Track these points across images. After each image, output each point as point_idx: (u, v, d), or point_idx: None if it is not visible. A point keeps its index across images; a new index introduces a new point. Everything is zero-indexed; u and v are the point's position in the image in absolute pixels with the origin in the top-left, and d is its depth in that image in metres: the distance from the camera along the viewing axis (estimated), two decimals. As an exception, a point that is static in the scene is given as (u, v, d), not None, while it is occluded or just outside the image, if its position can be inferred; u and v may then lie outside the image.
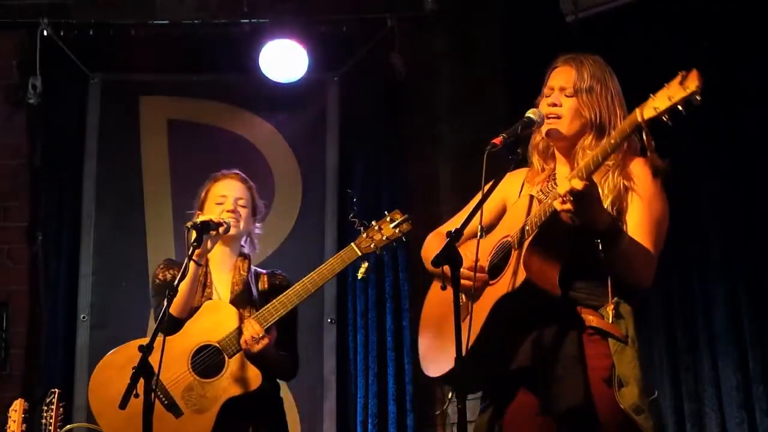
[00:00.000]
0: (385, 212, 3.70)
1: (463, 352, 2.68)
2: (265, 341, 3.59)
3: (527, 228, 2.84)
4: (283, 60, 5.55)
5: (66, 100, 5.75)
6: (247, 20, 5.66)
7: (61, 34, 5.62)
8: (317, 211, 5.74)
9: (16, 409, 3.72)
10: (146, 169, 5.77)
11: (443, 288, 2.84)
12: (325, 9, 5.75)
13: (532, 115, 2.99)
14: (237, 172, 3.93)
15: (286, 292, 3.68)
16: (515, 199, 3.08)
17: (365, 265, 3.67)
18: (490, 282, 2.93)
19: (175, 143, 5.79)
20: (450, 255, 2.75)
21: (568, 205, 2.66)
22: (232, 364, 3.62)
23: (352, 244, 3.67)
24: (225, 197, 3.81)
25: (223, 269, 3.85)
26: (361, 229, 3.66)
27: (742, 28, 4.65)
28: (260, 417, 3.70)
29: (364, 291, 5.65)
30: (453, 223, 3.20)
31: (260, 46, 5.54)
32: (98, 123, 5.77)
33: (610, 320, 2.81)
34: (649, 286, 2.87)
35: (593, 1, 5.02)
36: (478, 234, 2.88)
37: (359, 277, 3.70)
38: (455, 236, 2.77)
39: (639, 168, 2.88)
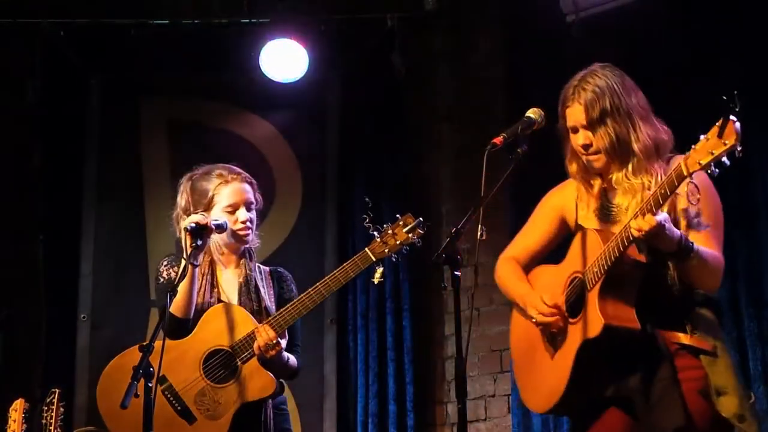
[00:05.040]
0: (397, 216, 3.66)
1: (560, 392, 2.92)
2: (279, 347, 3.57)
3: (595, 270, 2.90)
4: (284, 60, 5.55)
5: (66, 100, 5.75)
6: (247, 20, 5.66)
7: (61, 34, 5.62)
8: (317, 211, 5.74)
9: (16, 409, 3.70)
10: (146, 170, 5.78)
11: (443, 288, 2.87)
12: (325, 9, 5.75)
13: (532, 115, 3.01)
14: (239, 171, 3.84)
15: (300, 297, 3.64)
16: (573, 215, 3.15)
17: (380, 269, 3.65)
18: (571, 320, 2.99)
19: (175, 143, 5.79)
20: (450, 255, 2.76)
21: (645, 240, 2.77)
22: (245, 370, 3.58)
23: (367, 249, 3.62)
24: (236, 206, 3.73)
25: (228, 268, 3.82)
26: (375, 234, 3.64)
27: (742, 27, 4.64)
28: (268, 424, 3.67)
29: (364, 291, 5.65)
30: (516, 244, 3.32)
31: (260, 46, 5.54)
32: (98, 123, 5.77)
33: (692, 335, 2.89)
34: (718, 286, 2.95)
35: (593, 0, 5.02)
36: (479, 234, 2.88)
37: (375, 282, 3.67)
38: (455, 236, 2.78)
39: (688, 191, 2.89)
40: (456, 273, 2.75)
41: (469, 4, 5.79)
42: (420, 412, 5.54)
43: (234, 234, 3.73)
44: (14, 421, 3.67)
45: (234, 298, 3.75)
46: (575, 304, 2.99)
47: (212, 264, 3.78)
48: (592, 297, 2.89)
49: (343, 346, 5.63)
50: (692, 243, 2.80)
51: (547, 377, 3.04)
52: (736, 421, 2.79)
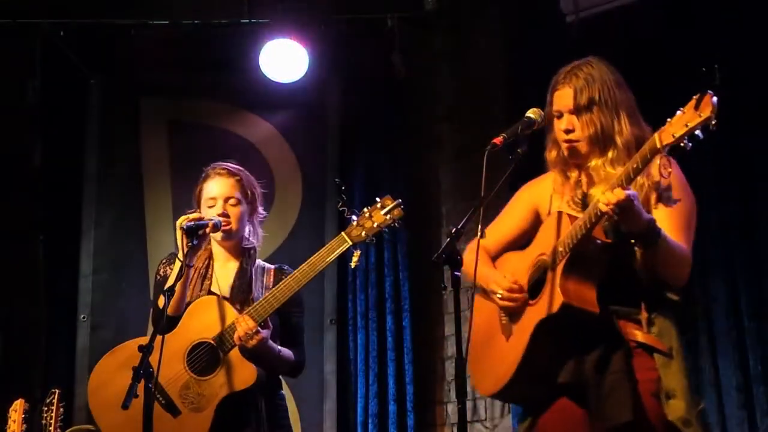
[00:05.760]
0: (377, 198, 3.60)
1: (510, 373, 2.88)
2: (260, 337, 3.55)
3: (560, 249, 2.87)
4: (284, 60, 5.55)
5: (66, 100, 5.76)
6: (247, 20, 5.66)
7: (61, 34, 5.62)
8: (317, 211, 5.74)
9: (16, 409, 3.71)
10: (146, 170, 5.78)
11: (443, 288, 2.87)
12: (325, 9, 5.74)
13: (532, 115, 3.01)
14: (225, 166, 3.83)
15: (278, 285, 3.61)
16: (546, 207, 3.11)
17: (358, 252, 3.60)
18: (530, 302, 2.96)
19: (176, 144, 5.80)
20: (450, 255, 2.76)
21: (613, 214, 2.73)
22: (227, 361, 3.58)
23: (343, 233, 3.57)
24: (214, 200, 3.75)
25: (226, 262, 3.82)
26: (353, 217, 3.61)
27: (742, 27, 4.64)
28: (261, 418, 3.67)
29: (365, 291, 5.66)
30: (487, 234, 3.24)
31: (260, 46, 5.54)
32: (98, 123, 5.78)
33: (647, 329, 2.86)
34: (685, 283, 2.91)
35: (593, 0, 5.02)
36: (478, 234, 2.88)
37: (352, 266, 3.63)
38: (455, 236, 2.79)
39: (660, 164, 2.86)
40: (456, 273, 2.75)
41: (469, 4, 5.79)
42: (420, 412, 5.54)
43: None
44: (14, 421, 3.67)
45: (227, 293, 3.75)
46: (536, 285, 2.96)
47: (209, 259, 3.79)
48: (555, 275, 2.85)
49: (343, 346, 5.63)
50: (660, 229, 2.77)
51: (501, 358, 3.00)
52: (682, 426, 2.77)
